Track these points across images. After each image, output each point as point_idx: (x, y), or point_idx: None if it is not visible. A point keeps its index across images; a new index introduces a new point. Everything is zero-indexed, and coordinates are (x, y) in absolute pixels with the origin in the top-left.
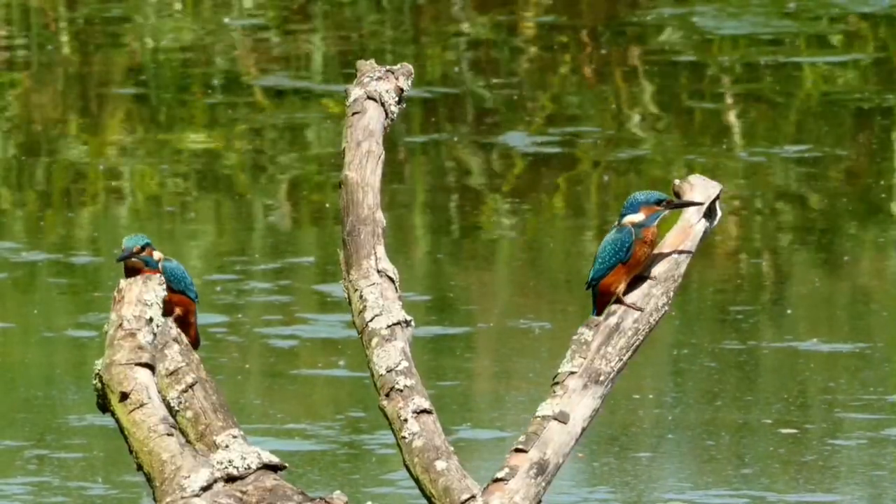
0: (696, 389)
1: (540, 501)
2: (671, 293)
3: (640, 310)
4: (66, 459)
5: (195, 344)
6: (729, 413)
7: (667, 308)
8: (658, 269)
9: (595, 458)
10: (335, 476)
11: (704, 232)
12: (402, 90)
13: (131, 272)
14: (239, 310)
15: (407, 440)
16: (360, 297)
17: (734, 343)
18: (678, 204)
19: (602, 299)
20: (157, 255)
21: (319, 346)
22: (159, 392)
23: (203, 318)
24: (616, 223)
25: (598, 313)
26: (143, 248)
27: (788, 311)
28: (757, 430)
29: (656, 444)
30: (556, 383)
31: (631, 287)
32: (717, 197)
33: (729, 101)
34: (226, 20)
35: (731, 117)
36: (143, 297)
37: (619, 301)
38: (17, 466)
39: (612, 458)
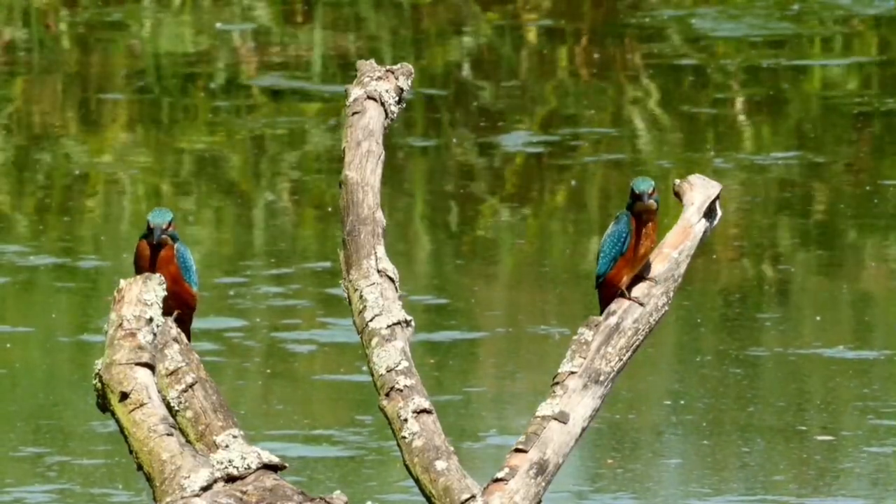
0: (727, 396)
1: (540, 501)
2: (671, 293)
3: (643, 304)
4: (88, 466)
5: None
6: (761, 419)
7: (667, 308)
8: (658, 270)
9: (622, 464)
10: (353, 482)
11: (704, 232)
12: (402, 90)
13: (157, 247)
14: (253, 314)
15: (407, 440)
16: (361, 296)
17: (760, 350)
18: (638, 208)
19: (607, 294)
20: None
21: (338, 351)
22: (159, 392)
23: (218, 322)
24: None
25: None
26: (169, 224)
27: (817, 318)
28: (791, 436)
29: (688, 449)
30: (556, 383)
31: (630, 288)
32: (717, 197)
33: (729, 103)
34: (219, 25)
35: (732, 119)
36: (142, 296)
37: (622, 295)
38: (37, 473)
39: (639, 464)
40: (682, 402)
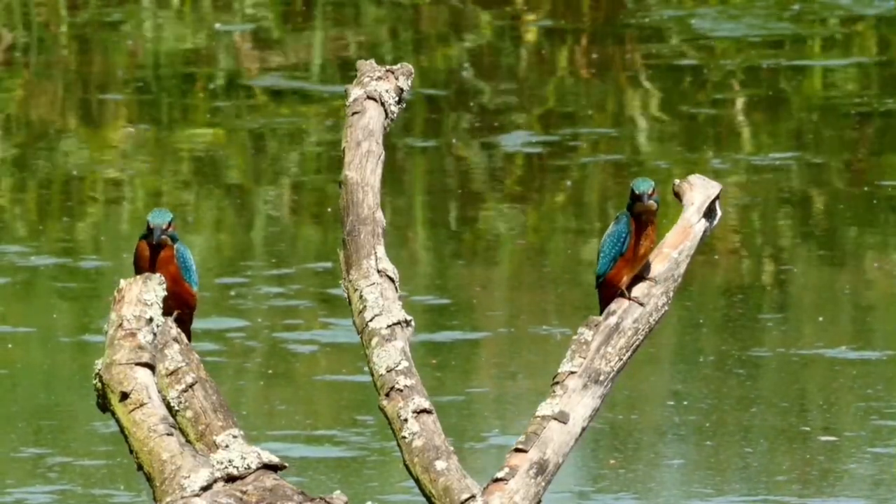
0: (730, 396)
1: (540, 501)
2: (671, 293)
3: (642, 304)
4: (89, 466)
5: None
6: (763, 420)
7: (667, 308)
8: (658, 270)
9: (624, 465)
10: (354, 482)
11: (704, 232)
12: (402, 90)
13: (157, 248)
14: (254, 314)
15: (407, 440)
16: (360, 296)
17: (762, 350)
18: (638, 208)
19: (607, 294)
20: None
21: (339, 351)
22: (159, 392)
23: (219, 322)
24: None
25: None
26: (169, 224)
27: (819, 319)
28: (794, 437)
29: (690, 450)
30: (556, 383)
31: (630, 288)
32: (717, 197)
33: (729, 103)
34: (218, 25)
35: (732, 120)
36: (142, 296)
37: (622, 295)
38: (38, 474)
39: (641, 464)
40: (685, 402)
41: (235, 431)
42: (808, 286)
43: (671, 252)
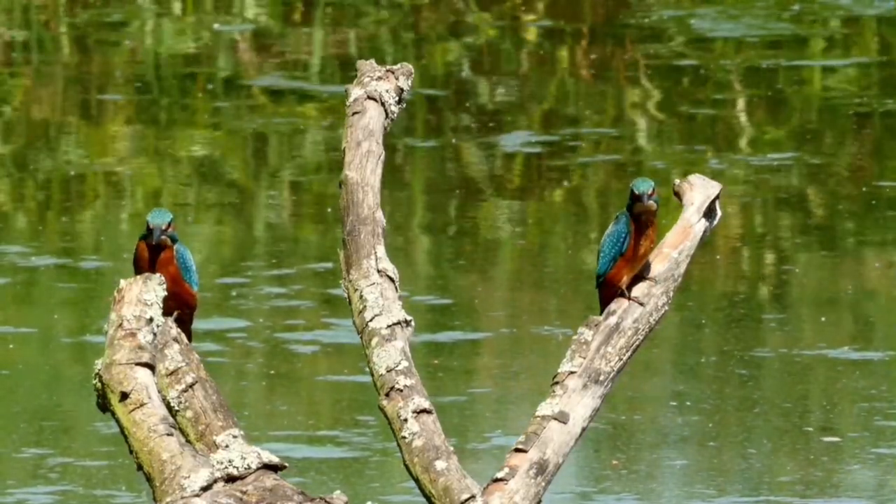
0: (733, 397)
1: (540, 501)
2: (671, 293)
3: (642, 304)
4: (90, 467)
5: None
6: (766, 420)
7: (667, 308)
8: (658, 269)
9: (626, 465)
10: (356, 483)
11: (704, 232)
12: (402, 90)
13: (157, 248)
14: (255, 315)
15: (407, 440)
16: (361, 296)
17: (764, 350)
18: (638, 209)
19: (607, 294)
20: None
21: (341, 351)
22: (159, 392)
23: (220, 322)
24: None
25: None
26: (169, 224)
27: (821, 319)
28: (796, 437)
29: (693, 450)
30: (556, 383)
31: (630, 288)
32: (717, 197)
33: (729, 103)
34: (217, 25)
35: (732, 120)
36: (142, 296)
37: (622, 295)
38: (40, 475)
39: (643, 465)
40: (687, 403)
41: (235, 431)
42: (809, 286)
43: (671, 252)
